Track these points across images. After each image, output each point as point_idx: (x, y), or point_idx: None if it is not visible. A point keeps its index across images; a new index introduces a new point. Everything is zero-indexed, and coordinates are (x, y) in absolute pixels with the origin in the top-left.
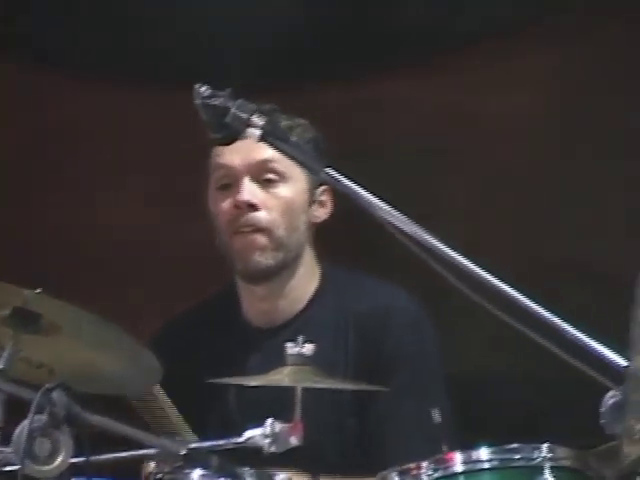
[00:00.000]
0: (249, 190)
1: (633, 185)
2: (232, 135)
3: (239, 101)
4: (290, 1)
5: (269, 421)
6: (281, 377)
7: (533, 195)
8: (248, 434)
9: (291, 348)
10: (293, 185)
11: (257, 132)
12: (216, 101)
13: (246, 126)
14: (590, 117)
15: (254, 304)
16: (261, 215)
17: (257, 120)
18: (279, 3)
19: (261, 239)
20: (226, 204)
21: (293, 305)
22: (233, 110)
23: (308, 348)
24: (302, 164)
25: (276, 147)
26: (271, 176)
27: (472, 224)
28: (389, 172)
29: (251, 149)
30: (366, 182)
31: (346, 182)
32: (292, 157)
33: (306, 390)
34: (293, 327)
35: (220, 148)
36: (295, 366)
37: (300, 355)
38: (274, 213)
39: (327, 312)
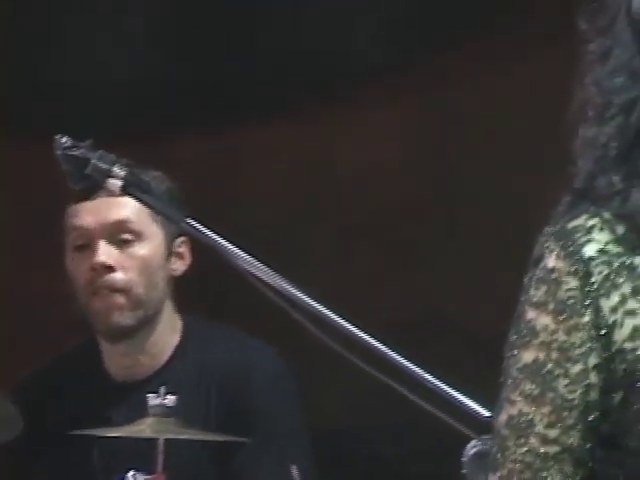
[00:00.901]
0: (104, 251)
1: None
2: (93, 186)
3: (100, 152)
4: (146, 50)
5: (131, 473)
6: (143, 428)
7: (393, 244)
8: None
9: (153, 399)
10: (150, 242)
11: (118, 183)
12: (77, 152)
13: (107, 177)
14: (445, 166)
15: (115, 360)
16: (118, 276)
17: (118, 171)
18: (135, 52)
19: (119, 299)
20: (83, 265)
21: (155, 359)
22: (94, 161)
23: (170, 399)
24: (163, 215)
25: (137, 198)
26: (127, 236)
27: (333, 273)
28: (247, 222)
29: (106, 210)
30: (225, 232)
31: (207, 232)
32: (153, 208)
33: (168, 441)
34: (155, 381)
35: (75, 208)
36: (157, 417)
37: (162, 406)
38: (131, 273)
39: (189, 365)
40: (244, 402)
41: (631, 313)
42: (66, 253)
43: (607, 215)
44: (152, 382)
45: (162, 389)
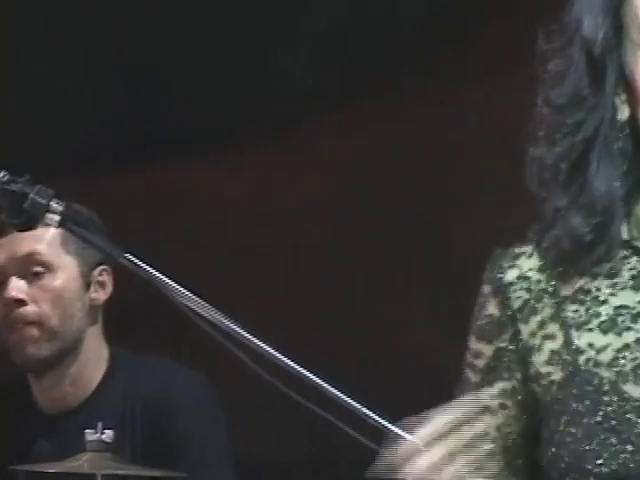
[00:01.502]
0: (15, 286)
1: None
2: (31, 221)
3: (38, 187)
4: (84, 83)
5: None
6: (80, 464)
7: (340, 278)
8: None
9: (90, 435)
10: (62, 274)
11: (56, 218)
12: (15, 187)
13: (45, 212)
14: (382, 201)
15: (42, 392)
16: (29, 309)
17: (56, 206)
18: (73, 85)
19: (32, 332)
20: (0, 301)
21: (81, 390)
22: (32, 196)
23: (108, 435)
24: (101, 250)
25: (75, 233)
26: (37, 269)
27: (276, 310)
28: (188, 257)
29: (16, 244)
30: (162, 267)
31: (144, 266)
32: (91, 243)
33: (106, 477)
34: (83, 412)
35: None
36: (95, 452)
37: (100, 441)
38: (44, 305)
39: (116, 395)
40: (170, 431)
41: (549, 337)
42: None
43: (544, 243)
44: (80, 413)
45: (99, 424)
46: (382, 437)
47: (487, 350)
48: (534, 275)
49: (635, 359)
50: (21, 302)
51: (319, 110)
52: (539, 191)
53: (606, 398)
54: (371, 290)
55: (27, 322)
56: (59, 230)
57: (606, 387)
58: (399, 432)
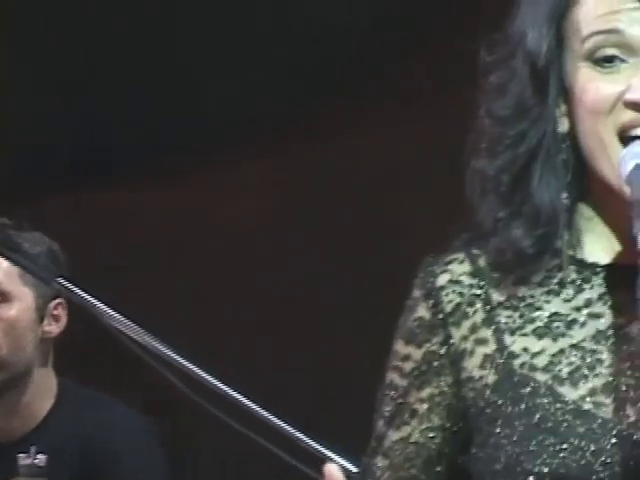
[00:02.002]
0: None
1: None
2: None
3: None
4: (19, 110)
5: None
6: None
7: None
8: None
9: (23, 459)
10: (18, 304)
11: None
12: None
13: None
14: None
15: None
16: None
17: None
18: (12, 112)
19: None
20: None
21: (28, 421)
22: None
23: (41, 459)
24: (33, 274)
25: (7, 257)
26: None
27: (209, 333)
28: (124, 283)
29: None
30: (103, 293)
31: (79, 292)
32: (23, 267)
33: None
34: (28, 443)
35: None
36: (27, 477)
37: (32, 466)
38: None
39: (61, 428)
40: (106, 472)
41: (482, 342)
42: None
43: (476, 250)
44: (25, 444)
45: (32, 449)
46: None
47: (416, 354)
48: (466, 279)
49: (570, 363)
50: None
51: (257, 135)
52: (479, 202)
53: (542, 401)
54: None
55: None
56: None
57: (542, 390)
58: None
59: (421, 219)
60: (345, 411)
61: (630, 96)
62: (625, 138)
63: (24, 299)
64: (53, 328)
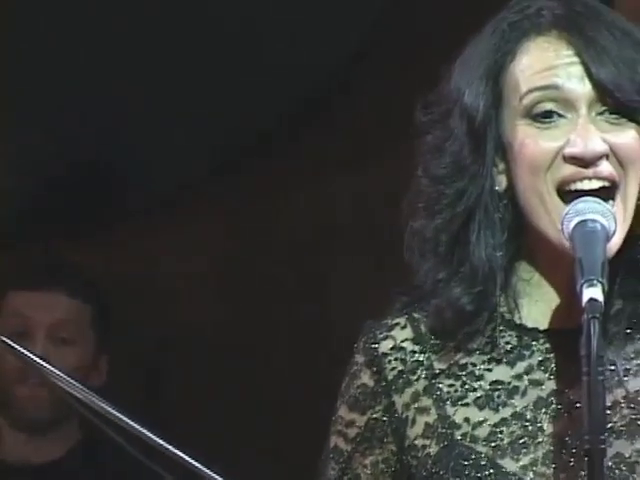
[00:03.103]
0: (44, 347)
1: None
2: None
3: None
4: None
5: None
6: None
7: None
8: None
9: None
10: (80, 349)
11: None
12: None
13: None
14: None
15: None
16: None
17: None
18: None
19: (42, 392)
20: None
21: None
22: None
23: None
24: None
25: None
26: (64, 336)
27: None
28: None
29: (51, 305)
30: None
31: (19, 348)
32: None
33: None
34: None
35: None
36: None
37: None
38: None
39: None
40: None
41: (423, 410)
42: None
43: (417, 314)
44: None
45: None
46: None
47: (360, 420)
48: (409, 346)
49: (512, 433)
50: None
51: (192, 191)
52: (419, 263)
53: (484, 473)
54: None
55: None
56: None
57: (483, 462)
58: None
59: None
60: None
61: (569, 150)
62: (564, 194)
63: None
64: (95, 381)
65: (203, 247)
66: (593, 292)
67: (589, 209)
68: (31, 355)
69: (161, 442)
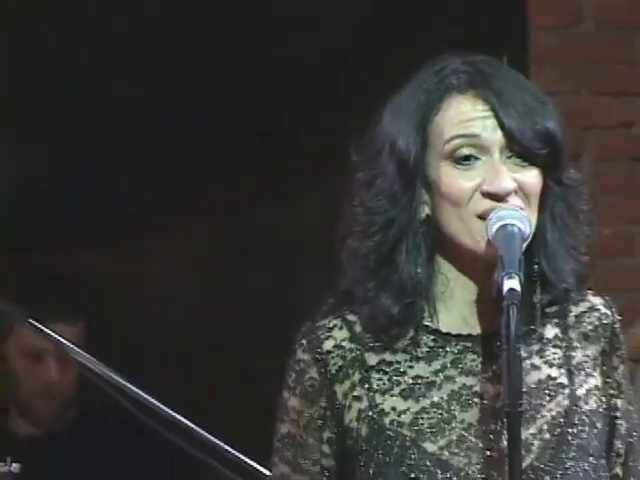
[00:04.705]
0: (55, 370)
1: None
2: None
3: None
4: None
5: None
6: None
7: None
8: None
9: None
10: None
11: None
12: None
13: None
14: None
15: None
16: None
17: None
18: None
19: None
20: None
21: None
22: None
23: (15, 467)
24: (4, 314)
25: None
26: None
27: None
28: None
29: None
30: None
31: (47, 331)
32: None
33: None
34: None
35: None
36: None
37: (8, 474)
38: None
39: None
40: None
41: (357, 399)
42: None
43: (351, 317)
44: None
45: (8, 459)
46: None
47: (310, 409)
48: (347, 344)
49: (431, 420)
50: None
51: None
52: (350, 273)
53: (409, 452)
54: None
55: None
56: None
57: (408, 444)
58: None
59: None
60: None
61: (486, 188)
62: (483, 220)
63: None
64: None
65: (202, 248)
66: (512, 283)
67: (508, 215)
68: (55, 336)
69: (168, 410)
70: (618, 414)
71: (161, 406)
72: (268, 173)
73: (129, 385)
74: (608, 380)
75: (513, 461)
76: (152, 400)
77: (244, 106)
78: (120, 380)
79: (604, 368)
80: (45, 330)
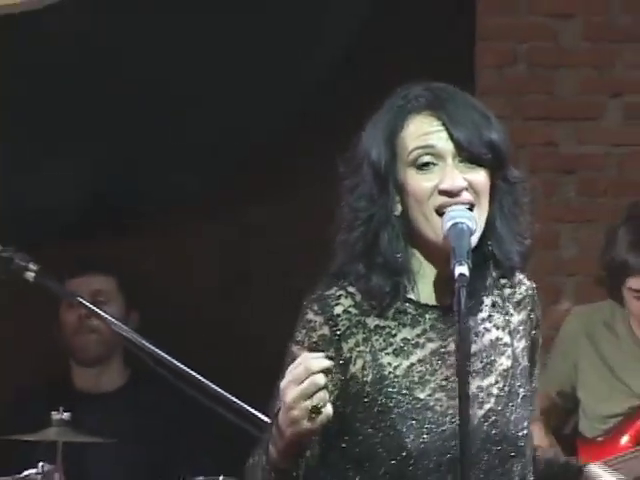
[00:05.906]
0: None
1: None
2: (15, 276)
3: (20, 254)
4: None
5: (40, 463)
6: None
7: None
8: (25, 472)
9: (55, 415)
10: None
11: (32, 275)
12: (5, 254)
13: (25, 270)
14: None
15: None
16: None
17: (32, 267)
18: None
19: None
20: None
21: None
22: (16, 260)
23: (66, 415)
24: (64, 296)
25: (44, 284)
26: (101, 299)
27: None
28: None
29: (89, 283)
30: None
31: (91, 306)
32: (56, 291)
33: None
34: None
35: None
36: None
37: (62, 419)
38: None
39: None
40: None
41: (361, 354)
42: None
43: (350, 289)
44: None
45: (61, 408)
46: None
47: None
48: (352, 310)
49: (419, 372)
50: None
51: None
52: (342, 258)
53: (406, 397)
54: None
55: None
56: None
57: (404, 391)
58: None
59: None
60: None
61: (442, 186)
62: (440, 214)
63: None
64: None
65: (206, 246)
66: (462, 269)
67: (459, 215)
68: (98, 310)
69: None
70: (535, 370)
71: (194, 373)
72: (268, 172)
73: (167, 356)
74: (531, 340)
75: (462, 412)
76: (185, 368)
77: (238, 117)
78: (158, 352)
79: (530, 331)
80: (91, 306)
